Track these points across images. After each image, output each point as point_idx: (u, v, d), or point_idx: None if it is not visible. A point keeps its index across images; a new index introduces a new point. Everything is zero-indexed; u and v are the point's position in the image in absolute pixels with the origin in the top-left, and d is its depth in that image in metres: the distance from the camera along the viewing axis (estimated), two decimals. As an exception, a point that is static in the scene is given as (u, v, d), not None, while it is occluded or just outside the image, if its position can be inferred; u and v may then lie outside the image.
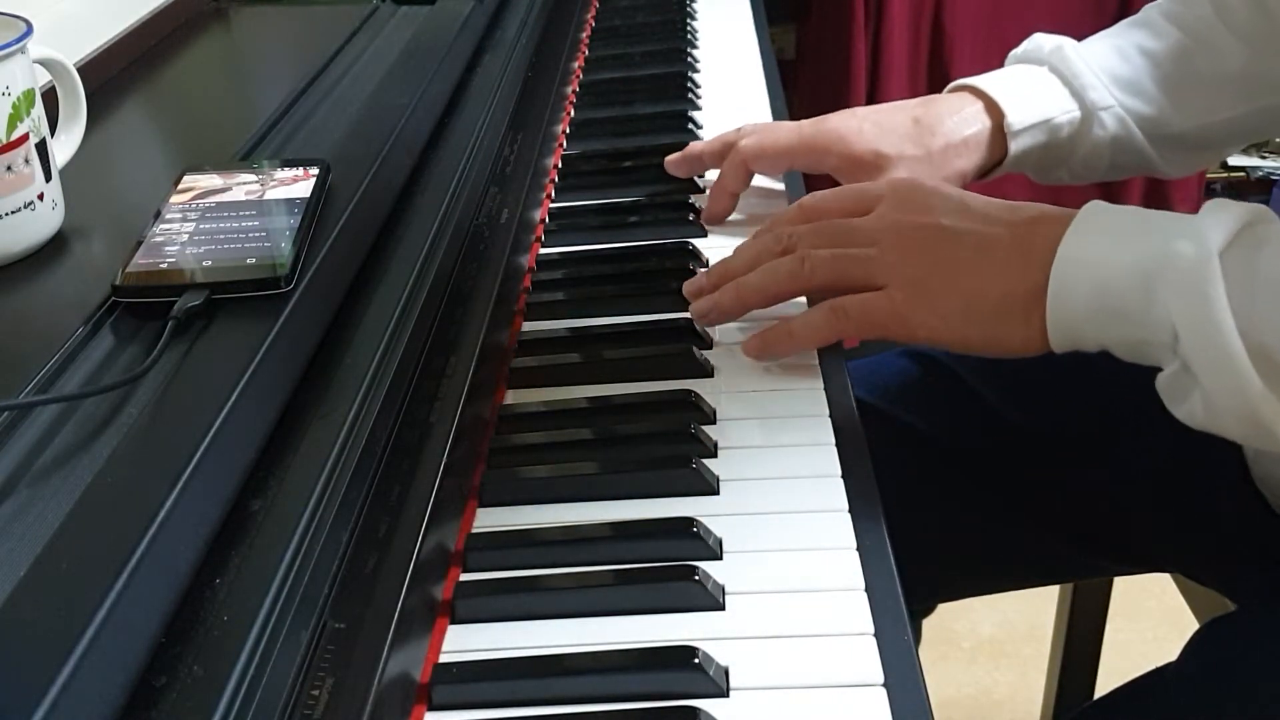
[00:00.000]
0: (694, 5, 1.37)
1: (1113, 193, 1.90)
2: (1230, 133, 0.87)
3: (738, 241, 0.85)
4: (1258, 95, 0.85)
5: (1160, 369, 0.61)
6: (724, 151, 0.87)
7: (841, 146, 0.83)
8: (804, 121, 0.86)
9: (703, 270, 0.76)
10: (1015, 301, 0.63)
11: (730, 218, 0.89)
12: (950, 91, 0.87)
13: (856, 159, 0.82)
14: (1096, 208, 0.64)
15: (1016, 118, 0.82)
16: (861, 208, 0.70)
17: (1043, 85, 0.84)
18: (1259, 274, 0.57)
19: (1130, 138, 0.85)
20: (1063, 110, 0.84)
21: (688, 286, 0.75)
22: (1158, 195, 1.93)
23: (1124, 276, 0.60)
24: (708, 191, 0.90)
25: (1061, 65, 0.84)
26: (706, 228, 0.88)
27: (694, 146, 0.91)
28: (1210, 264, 0.57)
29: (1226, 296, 0.56)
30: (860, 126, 0.83)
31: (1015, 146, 0.83)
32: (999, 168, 0.86)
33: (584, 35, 1.29)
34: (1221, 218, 0.59)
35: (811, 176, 0.92)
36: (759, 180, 0.90)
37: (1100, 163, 0.86)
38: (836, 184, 0.84)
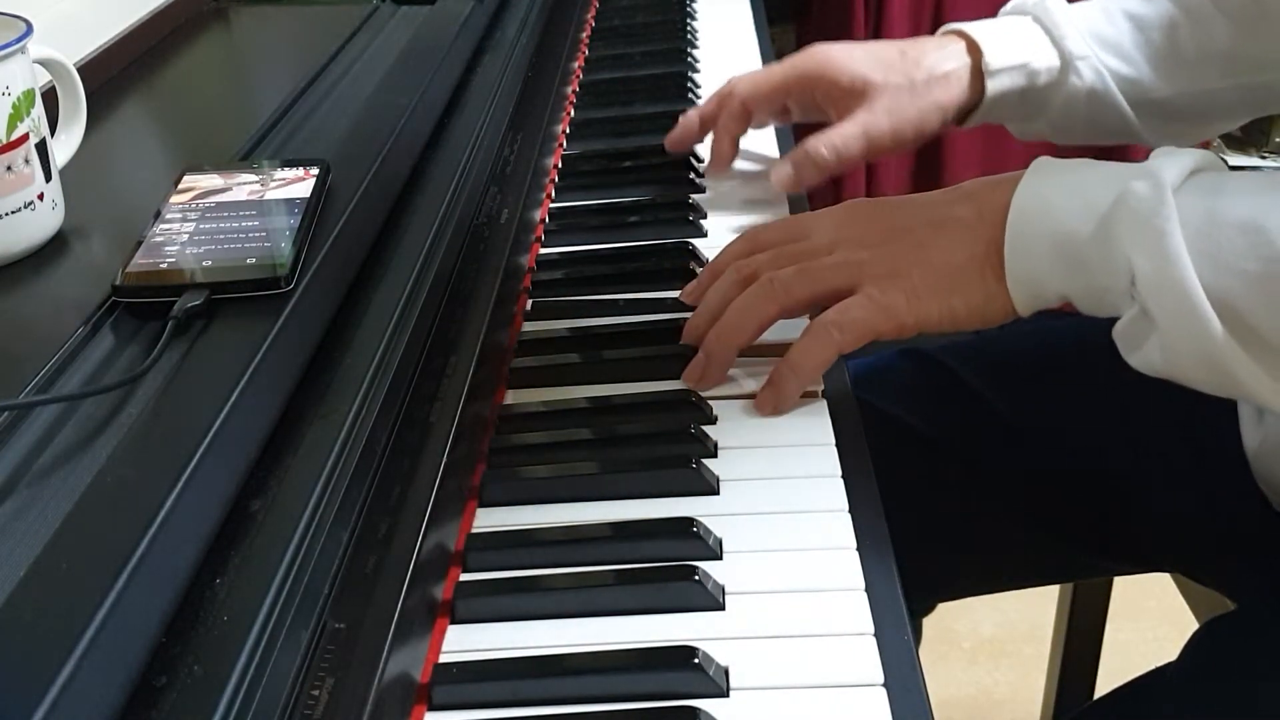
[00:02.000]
0: (694, 5, 1.37)
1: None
2: (1210, 105, 0.88)
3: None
4: (1240, 73, 0.86)
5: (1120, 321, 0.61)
6: (720, 106, 0.91)
7: (831, 72, 0.86)
8: (793, 55, 0.90)
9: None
10: (984, 262, 0.64)
11: (730, 219, 0.89)
12: (940, 34, 0.90)
13: (845, 85, 0.86)
14: (1045, 161, 0.65)
15: (995, 58, 0.85)
16: (805, 233, 0.70)
17: (1024, 32, 0.87)
18: (1218, 219, 0.57)
19: (1108, 93, 0.86)
20: (1042, 55, 0.86)
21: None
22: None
23: (1079, 220, 0.60)
24: (710, 142, 0.92)
25: (1044, 16, 0.87)
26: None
27: (690, 114, 0.93)
28: (1164, 199, 0.57)
29: (1182, 234, 0.57)
30: (849, 53, 0.87)
31: (993, 86, 0.86)
32: (977, 111, 0.88)
33: (584, 35, 1.29)
34: (1173, 158, 0.60)
35: (803, 133, 0.93)
36: (753, 152, 0.93)
37: (1078, 115, 0.87)
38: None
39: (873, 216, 0.69)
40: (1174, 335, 0.58)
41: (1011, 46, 0.86)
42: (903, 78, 0.85)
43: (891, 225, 0.67)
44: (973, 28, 0.87)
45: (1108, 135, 0.90)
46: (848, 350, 0.67)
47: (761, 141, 0.98)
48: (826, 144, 0.85)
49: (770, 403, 0.67)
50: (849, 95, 0.86)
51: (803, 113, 0.92)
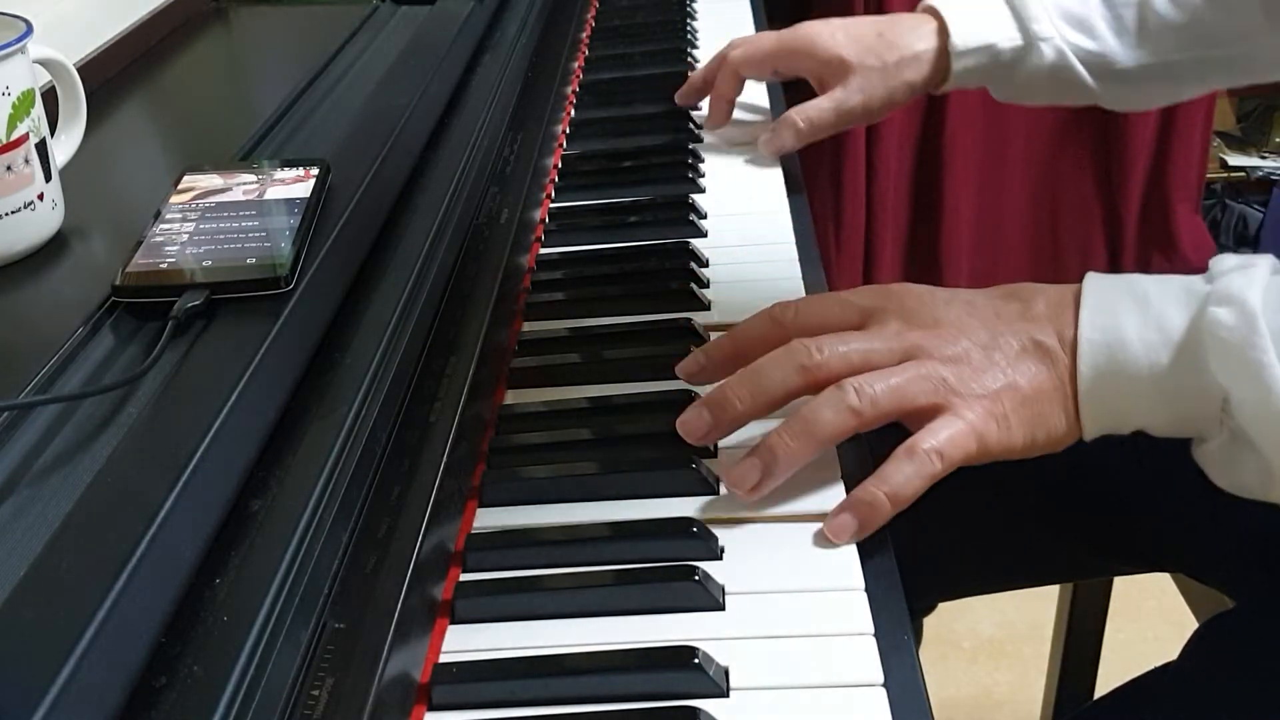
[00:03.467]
0: (694, 5, 1.37)
1: (1112, 195, 1.90)
2: (1169, 75, 0.92)
3: (739, 238, 0.86)
4: (1199, 45, 0.90)
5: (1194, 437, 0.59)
6: (719, 67, 1.03)
7: (814, 50, 0.96)
8: (783, 30, 1.02)
9: (695, 404, 0.64)
10: (1065, 393, 0.61)
11: (730, 218, 0.89)
12: (918, 10, 0.96)
13: (824, 62, 0.96)
14: (1096, 284, 0.61)
15: (961, 40, 0.92)
16: (855, 319, 0.64)
17: (992, 11, 0.92)
18: None
19: (1069, 69, 0.91)
20: (1006, 37, 0.92)
21: (685, 424, 0.63)
22: (1158, 195, 1.92)
23: (1156, 352, 0.58)
24: (708, 105, 1.04)
25: None
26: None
27: (694, 77, 1.06)
28: (1257, 330, 0.55)
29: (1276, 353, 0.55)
30: (832, 33, 0.96)
31: (958, 65, 0.93)
32: (945, 85, 0.95)
33: (584, 35, 1.29)
34: (1247, 275, 0.57)
35: (790, 90, 1.07)
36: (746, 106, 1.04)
37: (1040, 86, 0.93)
38: (812, 93, 0.97)
39: (936, 320, 0.63)
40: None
41: (979, 28, 0.92)
42: (876, 59, 0.93)
43: (974, 341, 0.62)
44: (946, 6, 0.93)
45: (1070, 101, 0.95)
46: (939, 477, 0.61)
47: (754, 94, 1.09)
48: (802, 116, 0.95)
49: (848, 531, 0.58)
50: (828, 71, 0.95)
51: (789, 75, 1.04)
